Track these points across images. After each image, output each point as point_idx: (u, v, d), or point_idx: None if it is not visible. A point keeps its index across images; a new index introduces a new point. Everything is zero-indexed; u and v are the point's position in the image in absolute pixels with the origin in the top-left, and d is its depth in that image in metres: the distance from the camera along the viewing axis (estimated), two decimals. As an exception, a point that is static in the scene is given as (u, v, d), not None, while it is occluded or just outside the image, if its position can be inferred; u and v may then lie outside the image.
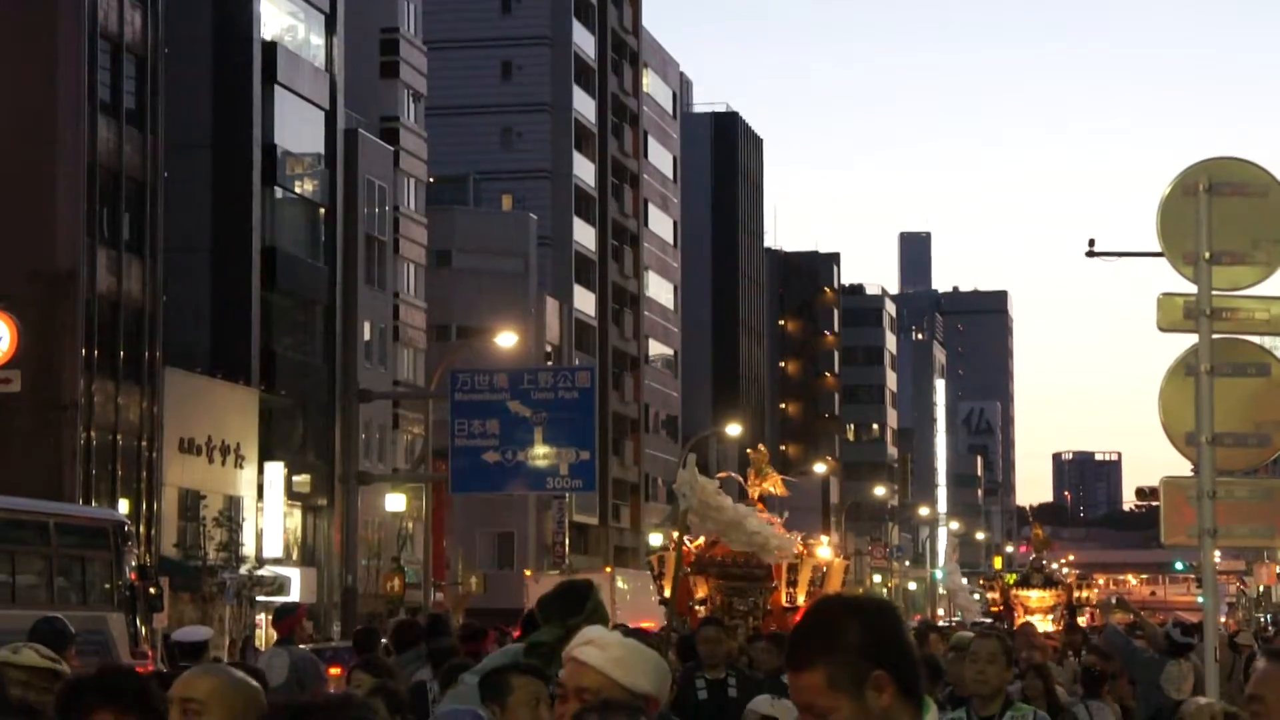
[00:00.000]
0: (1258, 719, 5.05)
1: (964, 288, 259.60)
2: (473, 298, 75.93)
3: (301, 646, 16.74)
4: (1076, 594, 44.06)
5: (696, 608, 22.43)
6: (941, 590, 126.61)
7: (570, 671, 4.45)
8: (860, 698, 3.60)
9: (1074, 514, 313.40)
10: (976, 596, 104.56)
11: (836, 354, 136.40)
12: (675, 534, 26.24)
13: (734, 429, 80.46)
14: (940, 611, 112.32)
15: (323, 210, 62.57)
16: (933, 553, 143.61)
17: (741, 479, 24.14)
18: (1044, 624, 39.77)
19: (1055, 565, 65.55)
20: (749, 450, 29.66)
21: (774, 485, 23.66)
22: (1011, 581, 43.42)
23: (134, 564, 29.88)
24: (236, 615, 51.79)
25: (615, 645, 4.42)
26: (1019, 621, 41.40)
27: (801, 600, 22.50)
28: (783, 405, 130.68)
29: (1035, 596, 41.92)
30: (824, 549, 25.15)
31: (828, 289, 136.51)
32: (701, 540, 22.59)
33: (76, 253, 47.81)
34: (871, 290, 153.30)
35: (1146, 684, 15.52)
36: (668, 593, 23.12)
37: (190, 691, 5.27)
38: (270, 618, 17.51)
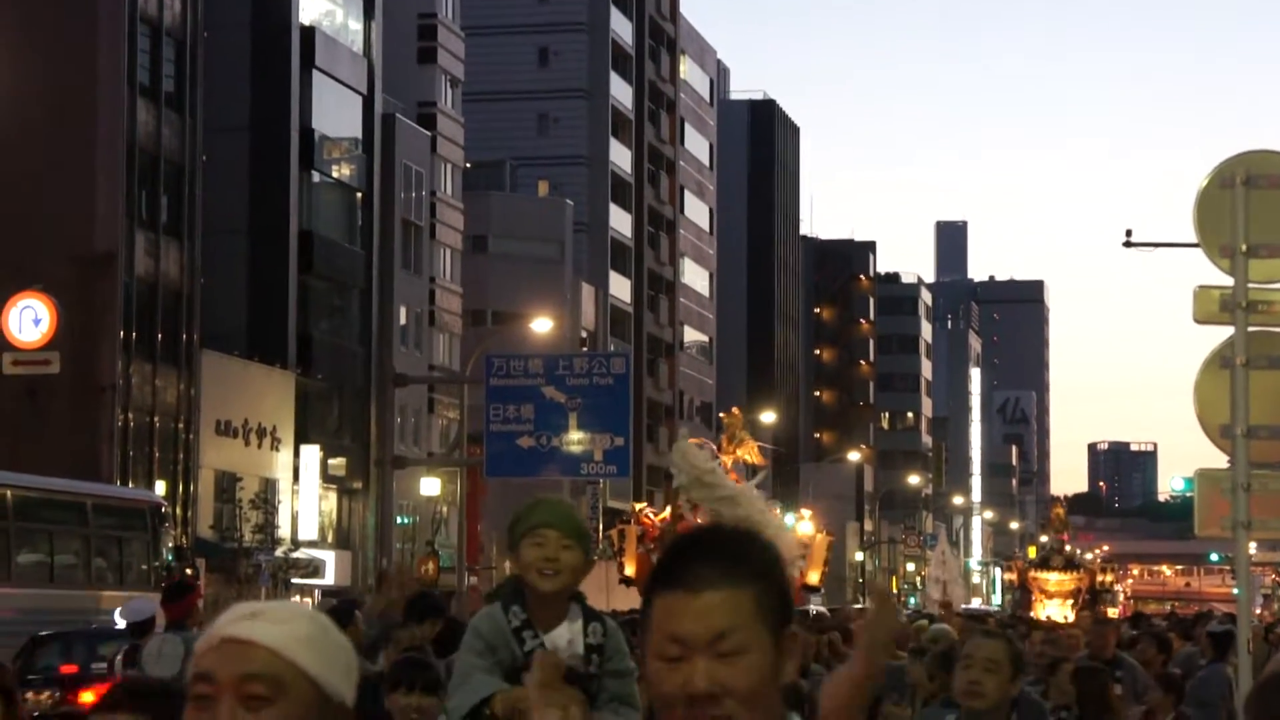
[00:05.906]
0: None
1: (1000, 277, 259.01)
2: (509, 283, 75.96)
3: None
4: (1100, 578, 40.92)
5: None
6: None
7: (225, 655, 2.76)
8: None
9: (1109, 504, 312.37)
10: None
11: (872, 342, 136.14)
12: (634, 505, 25.32)
13: (769, 416, 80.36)
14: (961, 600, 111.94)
15: (360, 195, 62.69)
16: (967, 541, 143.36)
17: (715, 446, 21.60)
18: (1062, 609, 36.87)
19: (1089, 555, 64.56)
20: (723, 415, 27.26)
21: (749, 453, 21.34)
22: (1032, 555, 39.89)
23: (170, 545, 30.04)
24: (272, 598, 52.01)
25: (304, 620, 2.80)
26: (1036, 604, 39.00)
27: None
28: (817, 393, 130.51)
29: (1054, 579, 38.67)
30: (805, 524, 22.96)
31: (863, 277, 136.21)
32: (666, 513, 21.14)
33: (115, 235, 47.98)
34: (907, 278, 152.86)
35: None
36: (630, 570, 21.63)
37: None
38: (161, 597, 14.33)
